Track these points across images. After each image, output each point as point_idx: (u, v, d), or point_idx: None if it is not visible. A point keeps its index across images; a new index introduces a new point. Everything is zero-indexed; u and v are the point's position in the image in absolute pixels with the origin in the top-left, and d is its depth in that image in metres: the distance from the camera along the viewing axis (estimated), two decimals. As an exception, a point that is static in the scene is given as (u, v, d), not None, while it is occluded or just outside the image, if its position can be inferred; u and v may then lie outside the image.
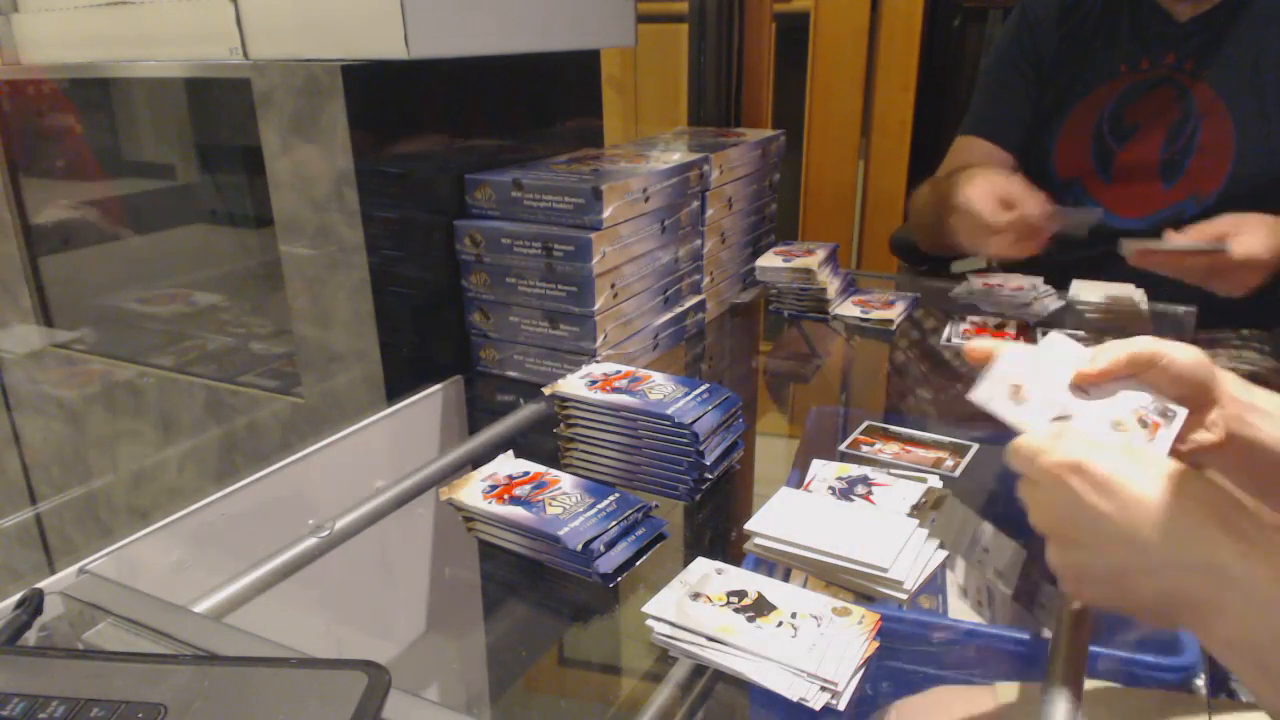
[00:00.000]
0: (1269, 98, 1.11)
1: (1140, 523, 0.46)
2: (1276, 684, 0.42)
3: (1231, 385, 0.57)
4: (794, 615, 0.56)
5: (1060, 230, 1.04)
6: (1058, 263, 1.17)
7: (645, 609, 0.58)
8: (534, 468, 0.75)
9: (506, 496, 0.70)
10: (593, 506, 0.67)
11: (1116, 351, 0.57)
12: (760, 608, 0.57)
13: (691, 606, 0.58)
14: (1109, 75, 1.20)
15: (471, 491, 0.71)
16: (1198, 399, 0.57)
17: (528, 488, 0.71)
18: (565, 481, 0.72)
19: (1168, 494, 0.47)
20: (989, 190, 1.03)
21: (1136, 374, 0.57)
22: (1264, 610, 0.42)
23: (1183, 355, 0.56)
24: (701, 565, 0.62)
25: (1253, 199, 1.08)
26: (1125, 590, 0.48)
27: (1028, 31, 1.27)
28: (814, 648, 0.53)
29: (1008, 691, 0.63)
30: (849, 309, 1.16)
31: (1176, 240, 1.00)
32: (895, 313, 1.13)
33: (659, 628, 0.57)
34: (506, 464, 0.76)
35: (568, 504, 0.68)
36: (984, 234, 1.03)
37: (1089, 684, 0.53)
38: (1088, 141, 1.22)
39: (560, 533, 0.64)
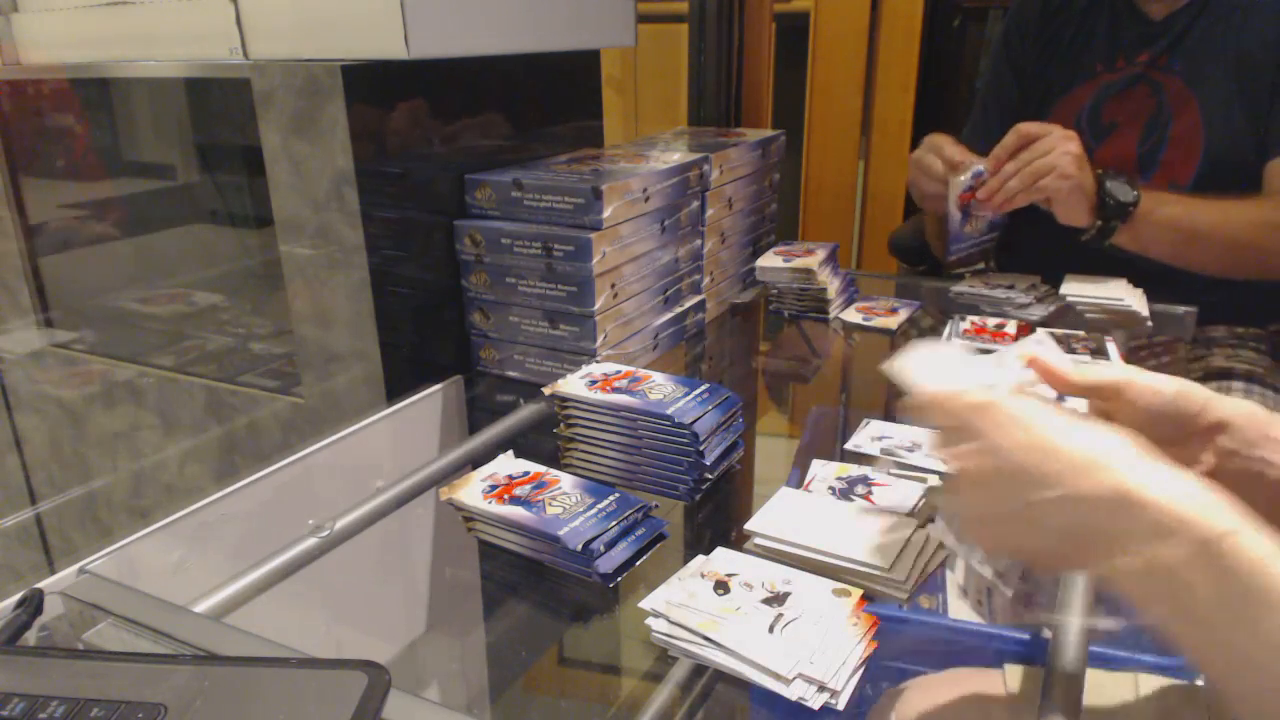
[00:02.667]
0: (1232, 87, 1.14)
1: (1046, 456, 0.46)
2: (1188, 615, 0.41)
3: (1242, 415, 0.53)
4: (788, 596, 0.56)
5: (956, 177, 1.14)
6: (1049, 260, 1.19)
7: (643, 605, 0.58)
8: (534, 468, 0.75)
9: (506, 496, 0.70)
10: (593, 506, 0.67)
11: (1088, 373, 0.56)
12: (756, 591, 0.57)
13: (689, 597, 0.58)
14: (1086, 75, 1.24)
15: (471, 491, 0.71)
16: (1176, 433, 0.54)
17: (528, 488, 0.71)
18: (565, 481, 0.72)
19: (1076, 431, 0.47)
20: (936, 144, 1.16)
21: (1102, 401, 0.56)
22: (1174, 535, 0.41)
23: (1159, 386, 0.54)
24: (698, 561, 0.62)
25: (1224, 184, 1.12)
26: (1029, 527, 0.47)
27: (1011, 42, 1.32)
28: (813, 648, 0.53)
29: (1018, 675, 0.63)
30: (852, 315, 1.16)
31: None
32: (897, 320, 1.13)
33: (657, 624, 0.56)
34: (506, 464, 0.76)
35: (568, 504, 0.68)
36: (915, 174, 1.17)
37: (1091, 672, 0.53)
38: None
39: (560, 533, 0.64)
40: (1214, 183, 1.14)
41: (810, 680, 0.51)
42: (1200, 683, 0.61)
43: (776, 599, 0.58)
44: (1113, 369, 0.57)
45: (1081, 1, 1.25)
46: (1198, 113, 1.15)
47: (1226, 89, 1.14)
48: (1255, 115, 1.12)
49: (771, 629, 0.55)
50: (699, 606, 0.57)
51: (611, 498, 0.68)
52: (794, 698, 0.51)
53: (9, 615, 0.54)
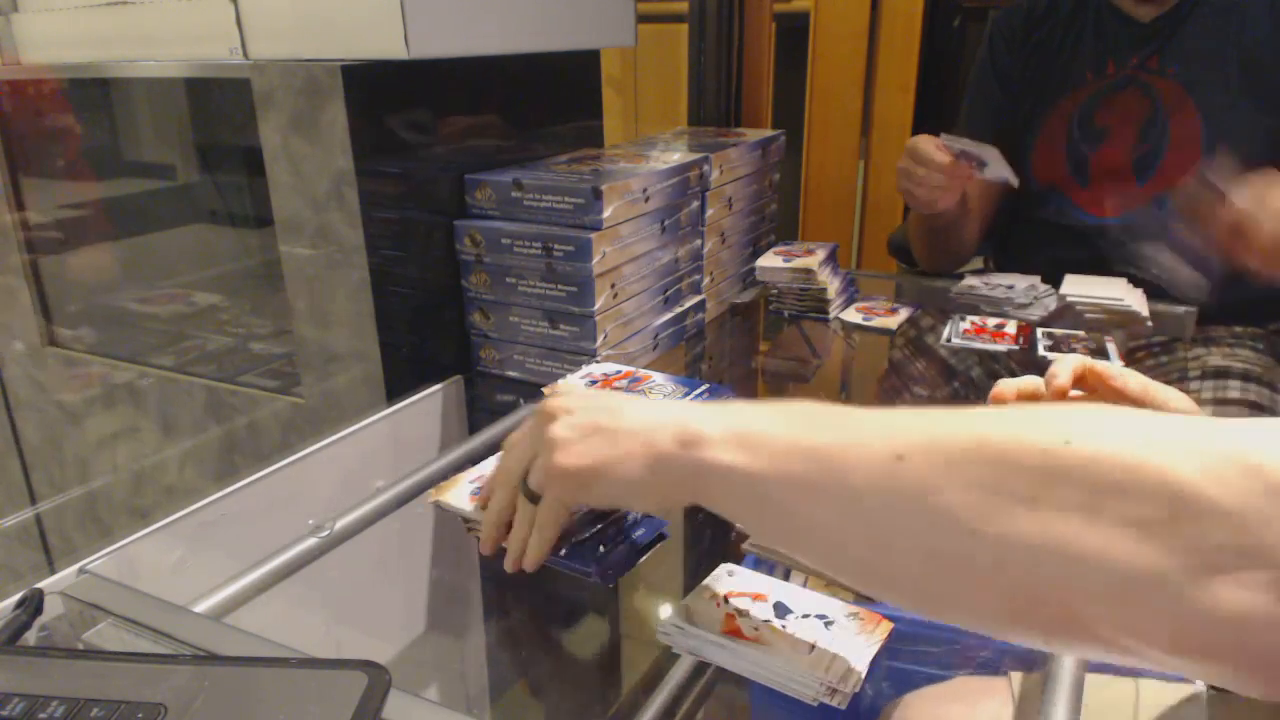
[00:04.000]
0: (1234, 86, 1.13)
1: (622, 398, 0.53)
2: (774, 513, 0.44)
3: None
4: (805, 616, 0.56)
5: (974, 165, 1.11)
6: (1051, 260, 1.19)
7: (664, 617, 0.57)
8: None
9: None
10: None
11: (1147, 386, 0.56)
12: (775, 610, 0.57)
13: (704, 611, 0.57)
14: (1076, 82, 1.23)
15: (459, 494, 0.70)
16: None
17: (527, 488, 0.71)
18: (565, 481, 0.71)
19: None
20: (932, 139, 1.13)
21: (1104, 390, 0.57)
22: (748, 434, 0.44)
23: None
24: (721, 572, 0.62)
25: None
26: (613, 443, 0.49)
27: (996, 50, 1.30)
28: (824, 648, 0.53)
29: (1021, 681, 0.63)
30: (852, 315, 1.16)
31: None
32: (897, 320, 1.13)
33: (675, 634, 0.56)
34: (506, 464, 0.75)
35: (568, 504, 0.68)
36: (913, 169, 1.13)
37: (1091, 676, 0.53)
38: (1061, 148, 1.24)
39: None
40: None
41: (819, 684, 0.51)
42: (1200, 687, 0.61)
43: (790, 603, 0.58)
44: (1169, 390, 0.56)
45: (1066, 8, 1.24)
46: (1196, 114, 1.15)
47: (1230, 90, 1.13)
48: (1264, 113, 1.11)
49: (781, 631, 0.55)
50: (713, 611, 0.57)
51: (611, 498, 0.68)
52: (797, 696, 0.51)
53: (9, 615, 0.54)
